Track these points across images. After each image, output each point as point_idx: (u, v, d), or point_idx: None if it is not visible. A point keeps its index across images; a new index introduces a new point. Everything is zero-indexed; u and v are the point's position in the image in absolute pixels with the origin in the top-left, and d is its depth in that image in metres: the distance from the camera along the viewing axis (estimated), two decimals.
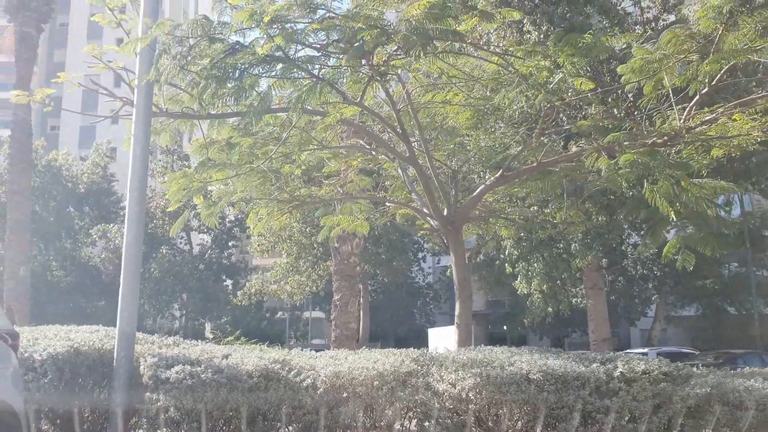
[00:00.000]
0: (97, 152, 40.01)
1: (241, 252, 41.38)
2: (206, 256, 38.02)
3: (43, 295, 32.04)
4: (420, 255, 39.17)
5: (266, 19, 5.01)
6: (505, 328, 41.43)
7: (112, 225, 35.95)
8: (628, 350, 28.92)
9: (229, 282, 40.36)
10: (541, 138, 7.16)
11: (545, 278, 19.85)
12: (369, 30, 5.09)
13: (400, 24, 5.17)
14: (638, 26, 18.93)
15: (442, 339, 20.03)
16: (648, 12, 19.36)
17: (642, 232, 19.66)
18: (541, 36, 16.10)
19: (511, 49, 6.31)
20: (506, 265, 20.69)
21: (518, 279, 20.75)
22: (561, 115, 8.07)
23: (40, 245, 34.17)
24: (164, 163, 34.62)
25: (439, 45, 5.73)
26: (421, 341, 21.29)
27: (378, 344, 29.44)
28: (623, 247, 27.18)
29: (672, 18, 18.91)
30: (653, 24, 18.91)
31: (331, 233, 10.12)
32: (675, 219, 6.63)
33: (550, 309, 21.35)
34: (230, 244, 38.54)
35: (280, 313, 47.41)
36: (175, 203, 8.09)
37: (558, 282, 20.71)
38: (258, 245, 25.98)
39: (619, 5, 18.78)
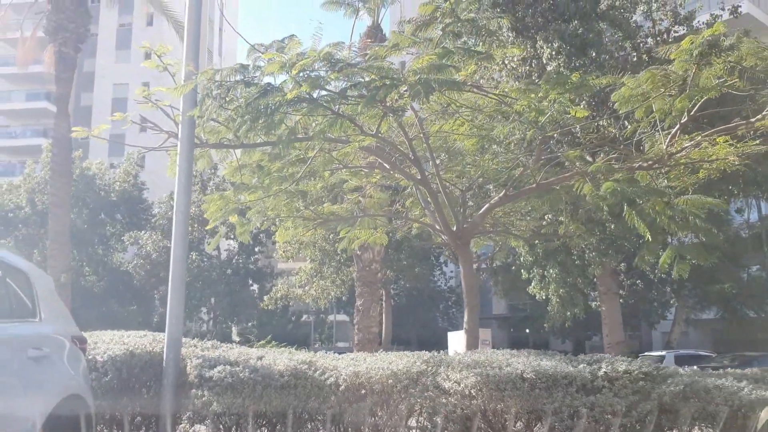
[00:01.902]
0: (129, 161, 41.33)
1: (266, 257, 42.46)
2: (233, 261, 39.15)
3: (77, 301, 33.26)
4: (442, 260, 39.87)
5: (294, 72, 5.88)
6: (527, 331, 41.97)
7: (143, 232, 37.23)
8: (646, 353, 29.47)
9: (255, 286, 41.48)
10: (539, 161, 7.93)
11: (561, 284, 20.52)
12: (381, 80, 5.94)
13: (408, 74, 6.02)
14: (650, 38, 19.52)
15: (461, 341, 20.73)
16: (660, 24, 19.88)
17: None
18: (553, 52, 16.82)
19: (505, 89, 7.03)
20: (522, 270, 21.40)
21: (532, 284, 21.42)
22: (570, 130, 8.82)
23: (74, 251, 35.46)
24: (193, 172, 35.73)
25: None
26: (443, 344, 22.03)
27: (394, 347, 30.12)
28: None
29: (683, 30, 19.45)
30: (665, 36, 19.48)
31: (351, 245, 11.00)
32: (650, 238, 7.36)
33: (568, 313, 21.99)
34: (256, 249, 39.61)
35: (305, 316, 48.38)
36: (213, 222, 9.05)
37: (575, 286, 21.40)
38: (283, 252, 26.92)
39: (632, 18, 19.35)
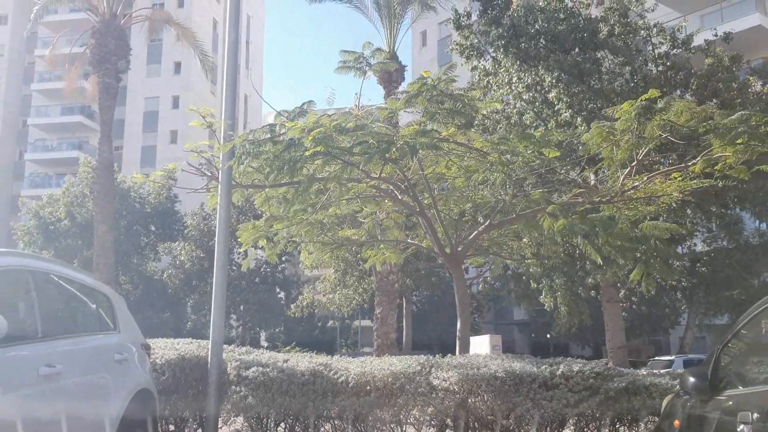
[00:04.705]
0: (164, 171, 43.18)
1: (293, 265, 44.22)
2: (261, 270, 40.81)
3: None
4: (462, 266, 41.16)
5: (310, 138, 7.50)
6: (548, 336, 43.15)
7: (176, 243, 39.16)
8: (656, 358, 30.59)
9: (282, 294, 43.21)
10: (515, 197, 9.44)
11: (568, 293, 21.92)
12: (378, 143, 7.54)
13: (399, 138, 7.62)
14: (650, 63, 20.72)
15: (475, 347, 22.18)
16: (659, 48, 21.07)
17: None
18: (553, 81, 18.29)
19: (479, 144, 8.55)
20: (531, 281, 22.82)
21: (543, 294, 22.83)
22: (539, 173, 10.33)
23: None
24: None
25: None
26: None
27: (411, 352, 31.55)
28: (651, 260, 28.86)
29: (680, 50, 20.65)
30: (664, 60, 20.67)
31: (373, 261, 12.65)
32: (600, 262, 8.85)
33: (575, 320, 23.33)
34: (283, 259, 41.37)
35: (330, 322, 50.02)
36: (246, 245, 10.77)
37: (580, 295, 22.79)
38: (309, 263, 28.55)
39: (631, 43, 20.60)
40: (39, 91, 61.02)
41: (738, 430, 4.11)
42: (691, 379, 4.93)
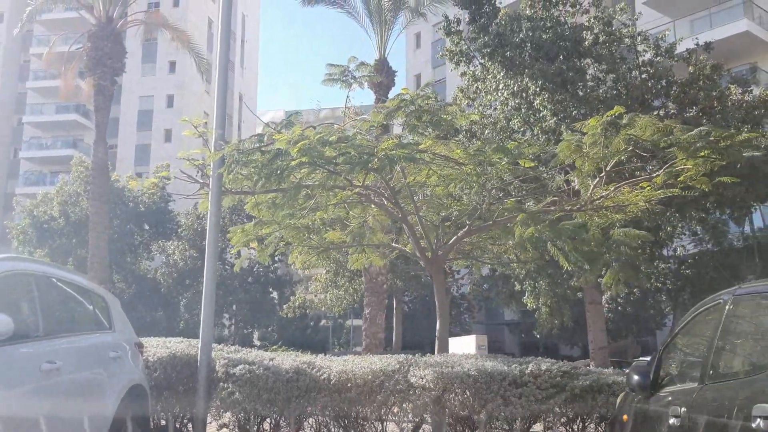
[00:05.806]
0: (157, 170, 43.48)
1: (286, 265, 44.63)
2: (254, 270, 41.20)
3: None
4: (453, 267, 41.65)
5: (295, 150, 7.98)
6: (537, 336, 43.70)
7: (170, 242, 39.50)
8: (641, 358, 31.15)
9: (275, 294, 43.60)
10: (491, 205, 9.92)
11: (551, 294, 22.46)
12: (360, 156, 8.04)
13: (378, 150, 8.12)
14: (634, 71, 21.18)
15: (461, 346, 22.73)
16: (643, 56, 21.55)
17: None
18: (537, 89, 18.80)
19: (457, 155, 9.02)
20: (515, 282, 23.34)
21: (526, 295, 23.40)
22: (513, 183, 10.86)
23: None
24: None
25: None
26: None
27: (401, 352, 32.03)
28: (636, 263, 29.43)
29: (663, 57, 21.12)
30: (648, 68, 21.14)
31: (356, 264, 13.13)
32: (569, 267, 9.41)
33: (556, 321, 23.89)
34: (276, 259, 41.68)
35: (323, 321, 50.44)
36: (237, 247, 11.26)
37: (564, 297, 23.34)
38: (299, 264, 28.99)
39: (615, 51, 21.08)
40: (34, 89, 61.24)
41: (669, 422, 4.62)
42: (635, 377, 5.45)
